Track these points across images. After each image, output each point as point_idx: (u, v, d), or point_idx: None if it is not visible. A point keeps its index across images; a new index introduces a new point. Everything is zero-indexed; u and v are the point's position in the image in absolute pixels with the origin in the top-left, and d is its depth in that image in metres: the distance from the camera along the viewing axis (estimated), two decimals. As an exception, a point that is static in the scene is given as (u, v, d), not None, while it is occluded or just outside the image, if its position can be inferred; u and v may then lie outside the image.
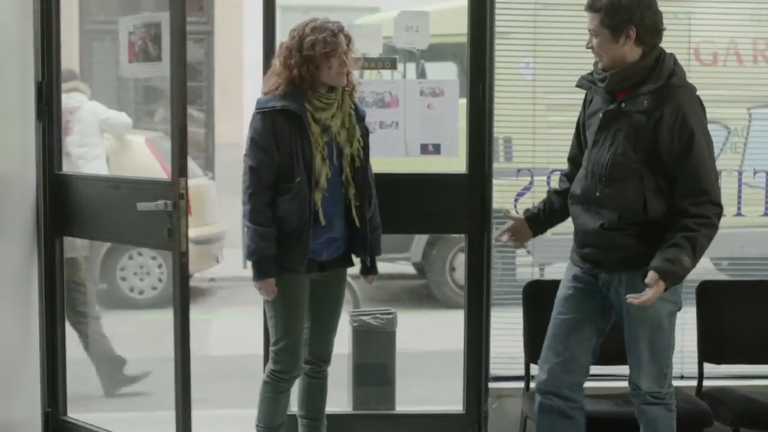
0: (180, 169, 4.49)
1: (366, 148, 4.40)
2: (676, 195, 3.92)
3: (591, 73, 4.08)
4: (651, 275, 3.83)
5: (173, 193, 4.47)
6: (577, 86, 4.14)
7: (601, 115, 4.01)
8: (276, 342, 4.42)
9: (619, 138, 3.96)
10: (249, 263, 4.37)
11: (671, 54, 4.02)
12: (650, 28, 3.95)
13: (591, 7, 3.97)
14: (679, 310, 4.11)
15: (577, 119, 4.24)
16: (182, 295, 4.55)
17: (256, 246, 4.27)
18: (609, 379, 4.85)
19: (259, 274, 4.31)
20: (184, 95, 4.48)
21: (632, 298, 3.85)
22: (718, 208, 3.92)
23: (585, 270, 4.14)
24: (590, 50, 4.02)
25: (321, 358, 4.59)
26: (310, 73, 4.26)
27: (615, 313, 4.14)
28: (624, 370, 4.83)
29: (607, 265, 4.06)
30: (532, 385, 4.68)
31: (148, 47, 4.50)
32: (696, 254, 3.88)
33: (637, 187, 3.95)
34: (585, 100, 4.17)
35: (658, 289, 3.83)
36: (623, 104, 3.95)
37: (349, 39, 4.32)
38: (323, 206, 4.32)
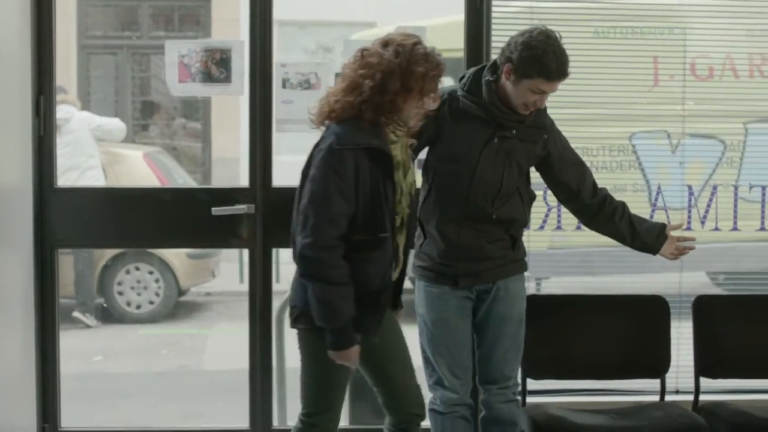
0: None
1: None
2: (582, 185, 4.28)
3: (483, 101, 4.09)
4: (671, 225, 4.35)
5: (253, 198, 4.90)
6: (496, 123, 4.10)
7: (496, 140, 4.09)
8: (312, 414, 3.90)
9: (512, 161, 4.11)
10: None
11: None
12: None
13: (564, 75, 4.02)
14: None
15: (429, 124, 4.03)
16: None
17: (337, 310, 3.67)
18: (606, 393, 4.87)
19: (344, 342, 3.72)
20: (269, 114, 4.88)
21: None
22: None
23: (459, 287, 4.18)
24: (529, 109, 4.07)
25: (419, 412, 4.07)
26: (397, 106, 3.73)
27: (480, 317, 4.23)
28: (622, 384, 4.87)
29: (487, 276, 4.17)
30: (529, 399, 4.69)
31: (210, 69, 4.81)
32: None
33: (519, 201, 4.18)
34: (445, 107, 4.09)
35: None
36: (515, 132, 4.11)
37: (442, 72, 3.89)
38: None
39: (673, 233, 4.39)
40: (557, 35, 4.02)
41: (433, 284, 4.19)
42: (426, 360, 4.28)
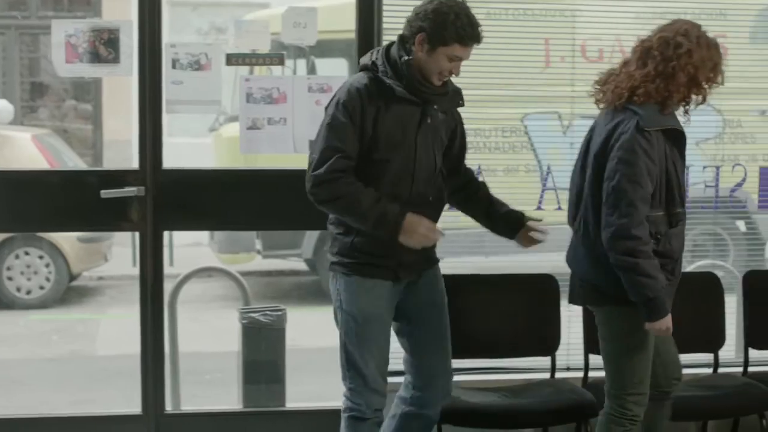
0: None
1: None
2: (458, 170, 4.22)
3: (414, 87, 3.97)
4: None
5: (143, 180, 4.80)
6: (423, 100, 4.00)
7: (429, 119, 4.01)
8: (637, 384, 4.09)
9: (437, 137, 4.06)
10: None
11: None
12: None
13: (478, 39, 3.98)
14: None
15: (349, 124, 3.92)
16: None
17: (652, 281, 3.86)
18: (498, 372, 4.92)
19: (659, 312, 3.90)
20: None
21: None
22: None
23: (398, 280, 4.07)
24: (443, 79, 4.00)
25: (678, 376, 4.33)
26: (700, 95, 3.98)
27: (412, 308, 4.12)
28: (514, 362, 4.93)
29: (424, 265, 4.14)
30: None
31: (98, 50, 4.72)
32: None
33: (441, 179, 4.14)
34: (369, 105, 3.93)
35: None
36: (436, 107, 4.04)
37: None
38: None
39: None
40: (463, 0, 3.98)
41: (368, 278, 4.01)
42: (349, 361, 4.07)
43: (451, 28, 3.90)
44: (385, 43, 4.11)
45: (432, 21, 3.91)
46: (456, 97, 4.11)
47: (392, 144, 3.95)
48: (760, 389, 4.72)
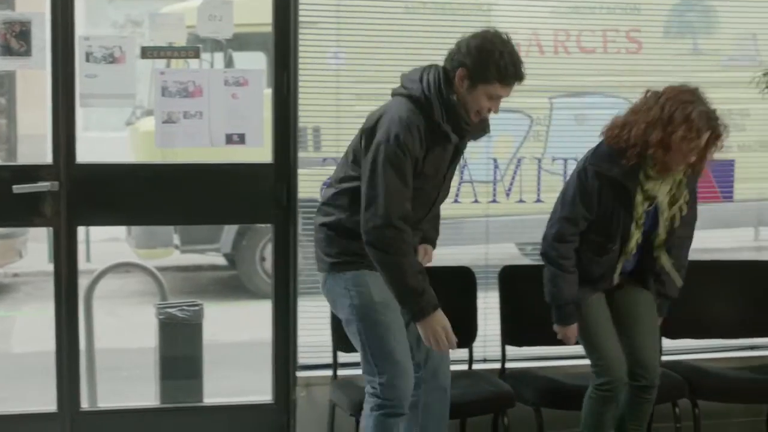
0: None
1: (692, 210, 4.42)
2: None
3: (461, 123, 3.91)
4: None
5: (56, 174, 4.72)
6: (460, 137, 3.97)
7: (461, 155, 4.10)
8: (591, 356, 4.45)
9: (451, 168, 4.08)
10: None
11: None
12: None
13: (521, 78, 3.88)
14: None
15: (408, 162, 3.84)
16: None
17: (560, 291, 4.34)
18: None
19: (563, 319, 4.40)
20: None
21: None
22: None
23: None
24: (480, 116, 3.94)
25: (636, 377, 4.46)
26: (656, 157, 4.15)
27: None
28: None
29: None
30: (340, 372, 4.74)
31: (9, 43, 4.64)
32: None
33: None
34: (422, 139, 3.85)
35: None
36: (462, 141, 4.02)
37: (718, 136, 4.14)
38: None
39: None
40: (508, 37, 3.89)
41: (373, 269, 3.90)
42: (375, 354, 3.92)
43: (493, 67, 3.81)
44: (432, 70, 3.94)
45: (474, 57, 3.83)
46: (483, 125, 4.06)
47: (427, 176, 3.93)
48: (673, 378, 4.80)
